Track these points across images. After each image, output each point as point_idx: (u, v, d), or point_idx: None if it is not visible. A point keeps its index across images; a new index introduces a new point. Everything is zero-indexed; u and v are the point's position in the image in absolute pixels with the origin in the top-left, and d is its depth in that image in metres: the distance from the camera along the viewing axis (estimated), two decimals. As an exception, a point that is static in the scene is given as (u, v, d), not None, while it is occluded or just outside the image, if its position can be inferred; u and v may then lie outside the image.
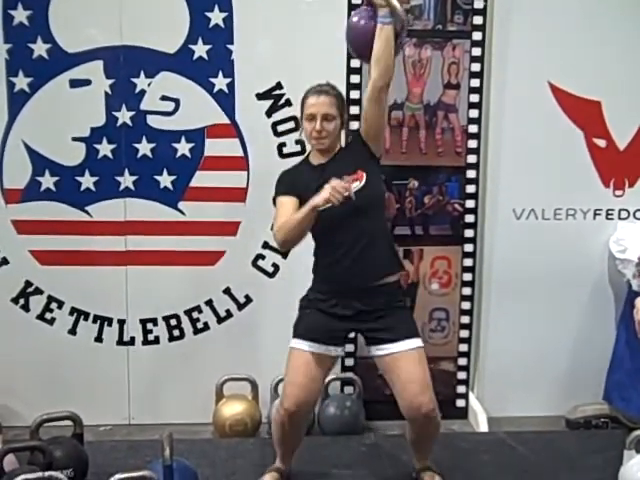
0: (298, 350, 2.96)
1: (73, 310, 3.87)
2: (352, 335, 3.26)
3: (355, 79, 3.75)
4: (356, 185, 2.87)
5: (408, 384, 2.88)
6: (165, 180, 3.80)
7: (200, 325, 3.94)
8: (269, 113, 3.77)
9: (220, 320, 3.95)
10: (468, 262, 3.97)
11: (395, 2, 2.86)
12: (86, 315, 3.88)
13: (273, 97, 3.76)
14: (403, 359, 2.90)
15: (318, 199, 2.75)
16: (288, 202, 2.95)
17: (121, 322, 3.89)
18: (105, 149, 3.75)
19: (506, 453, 3.50)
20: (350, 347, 3.93)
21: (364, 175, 2.91)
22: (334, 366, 3.13)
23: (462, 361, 4.06)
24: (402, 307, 3.04)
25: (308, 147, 3.12)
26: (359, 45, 3.00)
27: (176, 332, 3.94)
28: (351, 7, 3.67)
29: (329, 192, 2.72)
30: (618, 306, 4.00)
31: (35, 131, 3.73)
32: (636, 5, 3.83)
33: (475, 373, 4.11)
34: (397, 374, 2.91)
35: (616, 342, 3.94)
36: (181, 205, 3.83)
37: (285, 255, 3.85)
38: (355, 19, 3.01)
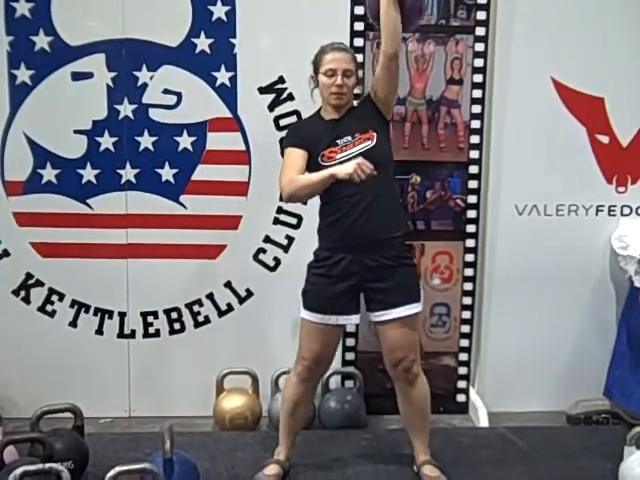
0: (308, 322, 3.02)
1: (74, 302, 3.88)
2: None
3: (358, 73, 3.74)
4: (367, 144, 2.94)
5: (397, 347, 3.01)
6: (167, 173, 3.80)
7: (201, 318, 3.94)
8: (271, 107, 3.77)
9: (221, 314, 3.95)
10: (470, 257, 3.97)
11: None
12: (87, 308, 3.88)
13: (275, 91, 3.76)
14: (399, 325, 2.99)
15: (341, 172, 2.79)
16: (297, 154, 2.99)
17: (122, 315, 3.89)
18: (107, 142, 3.75)
19: (506, 448, 3.50)
20: (351, 341, 3.93)
21: (374, 135, 2.97)
22: (344, 330, 3.23)
23: (463, 356, 4.06)
24: (408, 264, 3.07)
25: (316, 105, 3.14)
26: (374, 8, 3.03)
27: (177, 325, 3.94)
28: (354, 2, 3.68)
29: (354, 168, 2.75)
30: (620, 302, 4.00)
31: (37, 124, 3.73)
32: (640, 1, 3.83)
33: (476, 368, 4.11)
34: (389, 336, 3.02)
35: (617, 338, 3.94)
36: (182, 198, 3.82)
37: (286, 249, 3.87)
38: None
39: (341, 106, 3.03)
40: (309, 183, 2.90)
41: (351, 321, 3.07)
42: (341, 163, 2.89)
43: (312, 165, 2.97)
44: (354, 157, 2.88)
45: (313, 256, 3.08)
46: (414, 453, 3.18)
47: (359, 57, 3.67)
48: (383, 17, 2.92)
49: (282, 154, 3.09)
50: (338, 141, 2.97)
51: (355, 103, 3.15)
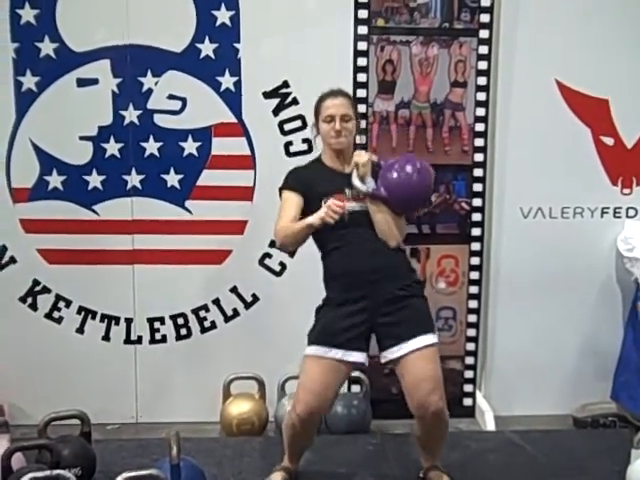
0: (313, 357, 2.92)
1: (81, 309, 3.88)
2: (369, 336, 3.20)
3: (362, 78, 3.75)
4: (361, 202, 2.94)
5: (419, 382, 2.87)
6: (172, 179, 3.80)
7: (207, 324, 3.95)
8: (276, 112, 3.78)
9: (227, 319, 3.95)
10: (475, 261, 3.96)
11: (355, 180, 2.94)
12: (93, 314, 3.89)
13: (280, 96, 3.76)
14: (416, 358, 2.88)
15: (315, 219, 2.83)
16: (292, 200, 2.98)
17: (128, 321, 3.90)
18: (112, 148, 3.76)
19: (513, 452, 3.50)
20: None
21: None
22: (351, 372, 3.09)
23: (469, 360, 4.05)
24: (420, 295, 3.02)
25: (316, 150, 3.16)
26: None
27: (183, 331, 3.95)
28: (358, 5, 3.69)
29: (324, 212, 2.80)
30: (626, 304, 3.99)
31: (42, 130, 3.74)
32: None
33: (482, 372, 4.10)
34: (408, 371, 2.90)
35: (624, 340, 3.93)
36: (188, 204, 3.83)
37: (292, 254, 3.86)
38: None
39: (342, 152, 3.01)
40: (291, 232, 2.92)
41: (358, 359, 2.93)
42: (349, 213, 2.89)
43: (315, 208, 2.91)
44: (363, 212, 2.92)
45: (321, 303, 3.01)
46: (422, 458, 3.16)
47: (362, 61, 3.69)
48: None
49: (280, 195, 3.06)
50: (345, 191, 2.94)
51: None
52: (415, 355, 2.89)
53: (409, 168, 2.92)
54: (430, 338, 2.93)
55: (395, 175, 2.91)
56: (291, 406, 3.01)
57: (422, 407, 2.88)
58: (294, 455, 3.13)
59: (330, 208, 2.79)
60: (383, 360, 2.96)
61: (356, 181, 2.92)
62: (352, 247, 2.93)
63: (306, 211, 2.94)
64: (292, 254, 3.83)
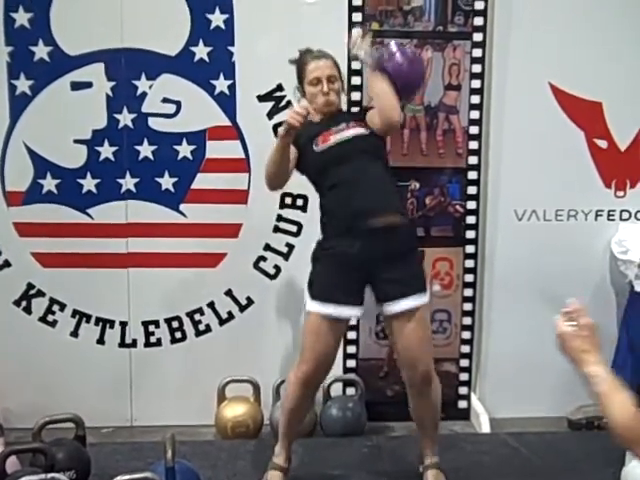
0: (314, 314, 2.94)
1: (75, 312, 3.88)
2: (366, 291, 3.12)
3: (356, 81, 3.75)
4: (362, 131, 2.97)
5: (409, 343, 2.94)
6: (166, 182, 3.80)
7: (202, 327, 3.95)
8: (270, 115, 3.78)
9: (222, 322, 3.95)
10: (470, 263, 3.97)
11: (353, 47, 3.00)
12: (88, 317, 3.88)
13: (274, 99, 3.77)
14: (407, 319, 2.92)
15: (281, 129, 2.84)
16: None
17: (123, 324, 3.89)
18: (106, 151, 3.76)
19: (508, 454, 3.50)
20: (352, 349, 3.93)
21: (370, 130, 2.97)
22: (347, 328, 3.16)
23: (464, 362, 4.06)
24: (416, 252, 3.05)
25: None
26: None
27: (178, 334, 3.94)
28: (352, 8, 3.69)
29: (288, 115, 2.81)
30: (620, 307, 4.00)
31: (37, 134, 3.74)
32: (637, 6, 3.83)
33: (477, 374, 4.11)
34: (400, 331, 2.95)
35: (618, 342, 3.94)
36: (182, 207, 3.83)
37: (286, 257, 3.87)
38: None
39: (331, 112, 3.04)
40: (270, 157, 2.93)
41: (356, 314, 3.01)
42: (338, 145, 2.93)
43: (309, 155, 2.97)
44: (350, 139, 2.94)
45: (316, 246, 3.01)
46: (422, 453, 3.14)
47: (356, 64, 3.69)
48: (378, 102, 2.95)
49: None
50: (332, 128, 2.98)
51: (344, 108, 3.20)
52: (406, 316, 2.93)
53: (409, 51, 3.11)
54: (423, 297, 2.97)
55: (398, 53, 2.98)
56: (294, 368, 3.02)
57: (411, 366, 2.96)
58: (289, 436, 3.10)
59: (293, 110, 2.81)
60: (382, 311, 3.02)
61: (360, 51, 2.95)
62: (347, 188, 2.91)
63: (301, 161, 3.00)
64: (286, 256, 3.84)
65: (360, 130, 2.98)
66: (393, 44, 3.05)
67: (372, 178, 2.93)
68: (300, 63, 3.08)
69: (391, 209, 2.95)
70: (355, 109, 3.63)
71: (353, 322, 3.76)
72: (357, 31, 3.04)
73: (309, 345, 2.97)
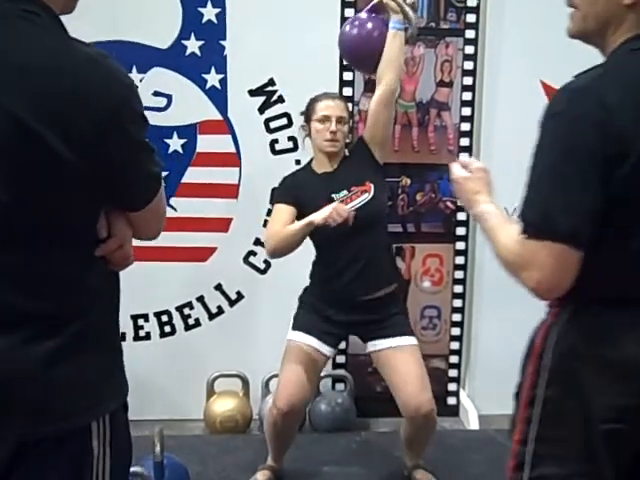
0: (295, 343, 2.96)
1: (64, 306, 3.86)
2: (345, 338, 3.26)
3: (348, 76, 3.75)
4: (364, 197, 2.91)
5: (407, 382, 2.87)
6: (157, 176, 3.79)
7: (191, 321, 3.94)
8: (262, 109, 3.77)
9: (211, 316, 3.94)
10: (460, 260, 3.98)
11: (408, 8, 2.89)
12: (77, 311, 3.87)
13: (266, 93, 3.76)
14: (400, 354, 2.91)
15: (318, 217, 2.73)
16: (284, 211, 2.92)
17: (112, 318, 3.88)
18: (97, 144, 3.74)
19: (497, 451, 3.48)
20: (341, 344, 3.92)
21: (372, 186, 2.94)
22: (325, 366, 3.14)
23: (453, 359, 4.06)
24: (399, 313, 3.04)
25: (305, 150, 3.15)
26: (369, 54, 2.99)
27: (167, 328, 3.94)
28: (344, 4, 3.69)
29: (329, 213, 2.71)
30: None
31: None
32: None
33: (466, 371, 4.11)
34: (394, 369, 2.91)
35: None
36: (173, 201, 3.81)
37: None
38: (369, 28, 3.01)
39: (334, 155, 2.99)
40: (288, 234, 2.82)
41: (331, 354, 3.06)
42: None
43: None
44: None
45: (304, 292, 3.07)
46: (405, 456, 3.18)
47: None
48: (396, 55, 2.93)
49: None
50: (334, 196, 2.90)
51: (347, 152, 3.10)
52: (399, 351, 2.91)
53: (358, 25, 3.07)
54: (411, 339, 2.96)
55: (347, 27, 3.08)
56: (272, 403, 3.01)
57: (412, 409, 2.86)
58: (278, 454, 3.13)
59: (336, 210, 2.71)
60: (368, 350, 3.02)
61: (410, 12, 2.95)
62: (341, 267, 2.92)
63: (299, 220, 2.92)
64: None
65: (362, 197, 2.92)
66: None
67: (367, 257, 2.91)
68: (310, 101, 3.03)
69: (381, 285, 2.97)
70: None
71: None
72: None
73: (285, 378, 2.94)
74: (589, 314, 1.62)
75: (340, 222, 2.70)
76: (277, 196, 3.03)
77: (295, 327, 3.00)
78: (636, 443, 1.59)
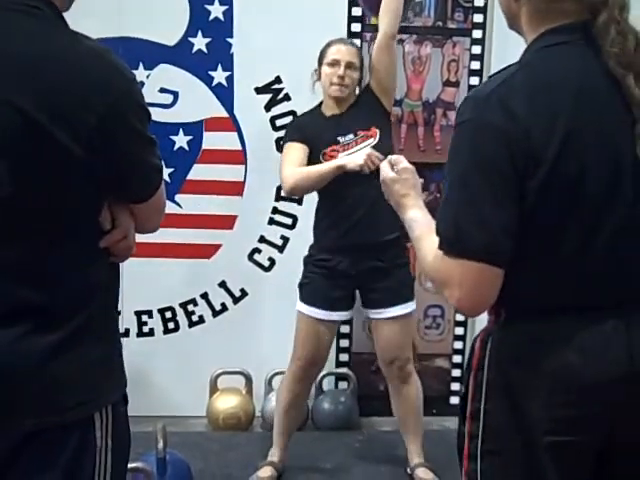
0: (304, 315, 3.03)
1: (68, 301, 3.86)
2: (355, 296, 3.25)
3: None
4: (370, 142, 2.94)
5: (390, 342, 3.04)
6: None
7: (195, 318, 3.94)
8: (268, 107, 3.77)
9: (215, 313, 3.94)
10: (464, 259, 3.96)
11: None
12: (81, 306, 3.87)
13: (272, 91, 3.76)
14: (395, 325, 3.02)
15: (351, 163, 2.78)
16: (298, 149, 2.98)
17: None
18: (103, 141, 3.74)
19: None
20: (345, 342, 3.93)
21: (377, 132, 2.98)
22: (338, 331, 3.27)
23: (457, 358, 4.05)
24: (404, 264, 3.09)
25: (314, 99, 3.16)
26: None
27: (171, 325, 3.94)
28: (351, 2, 3.69)
29: (364, 159, 2.74)
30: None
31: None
32: (633, 2, 3.83)
33: (469, 371, 4.10)
34: (384, 336, 3.05)
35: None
36: (178, 198, 3.82)
37: (281, 250, 3.87)
38: None
39: (342, 100, 3.02)
40: (314, 174, 2.89)
41: (345, 317, 3.13)
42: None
43: (313, 163, 2.98)
44: None
45: (309, 251, 3.09)
46: (407, 455, 3.18)
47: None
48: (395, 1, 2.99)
49: (282, 148, 3.10)
50: (340, 139, 2.97)
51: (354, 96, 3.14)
52: (393, 321, 3.01)
53: None
54: (410, 306, 3.05)
55: None
56: (290, 364, 3.09)
57: (391, 363, 3.05)
58: (283, 436, 3.15)
59: (370, 157, 2.73)
60: (367, 315, 3.14)
61: None
62: (344, 212, 2.96)
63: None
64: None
65: (367, 142, 2.96)
66: None
67: (370, 203, 2.91)
68: (325, 46, 3.07)
69: (384, 229, 2.99)
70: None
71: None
72: None
73: (300, 342, 3.05)
74: (526, 323, 1.51)
75: (373, 169, 2.68)
76: (288, 136, 3.09)
77: (302, 298, 3.05)
78: (594, 450, 1.50)
